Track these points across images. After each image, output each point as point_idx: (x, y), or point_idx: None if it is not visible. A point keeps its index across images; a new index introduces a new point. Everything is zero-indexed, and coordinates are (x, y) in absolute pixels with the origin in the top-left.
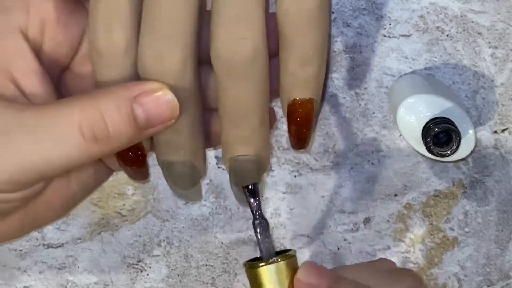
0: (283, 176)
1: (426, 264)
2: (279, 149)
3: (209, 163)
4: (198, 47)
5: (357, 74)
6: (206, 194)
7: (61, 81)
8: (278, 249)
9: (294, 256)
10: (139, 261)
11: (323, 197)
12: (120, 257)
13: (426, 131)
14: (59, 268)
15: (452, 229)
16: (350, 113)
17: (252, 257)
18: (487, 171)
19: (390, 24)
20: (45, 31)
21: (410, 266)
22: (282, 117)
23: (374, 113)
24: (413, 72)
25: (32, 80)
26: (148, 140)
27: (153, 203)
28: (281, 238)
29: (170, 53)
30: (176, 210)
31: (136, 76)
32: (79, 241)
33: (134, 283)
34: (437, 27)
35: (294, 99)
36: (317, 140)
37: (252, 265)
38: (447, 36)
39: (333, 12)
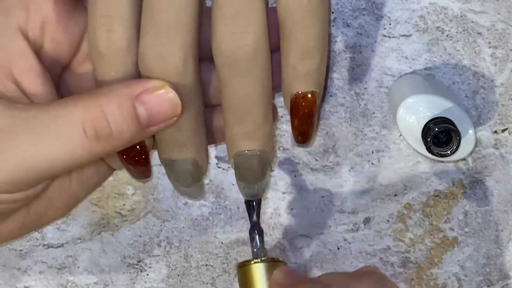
0: (283, 176)
1: (426, 264)
2: (279, 149)
3: (209, 163)
4: (198, 44)
5: (357, 74)
6: (206, 194)
7: (61, 81)
8: (274, 255)
9: (284, 262)
10: (139, 261)
11: (323, 197)
12: (120, 257)
13: (426, 131)
14: (59, 268)
15: (452, 229)
16: (350, 113)
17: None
18: (487, 171)
19: (390, 24)
20: (45, 31)
21: (410, 266)
22: (282, 117)
23: (374, 113)
24: (413, 72)
25: (32, 79)
26: (150, 138)
27: (153, 203)
28: (281, 238)
29: (171, 51)
30: (176, 210)
31: (137, 74)
32: (79, 241)
33: (134, 283)
34: (437, 27)
35: (297, 92)
36: (317, 140)
37: (244, 263)
38: (447, 36)
39: (333, 12)
